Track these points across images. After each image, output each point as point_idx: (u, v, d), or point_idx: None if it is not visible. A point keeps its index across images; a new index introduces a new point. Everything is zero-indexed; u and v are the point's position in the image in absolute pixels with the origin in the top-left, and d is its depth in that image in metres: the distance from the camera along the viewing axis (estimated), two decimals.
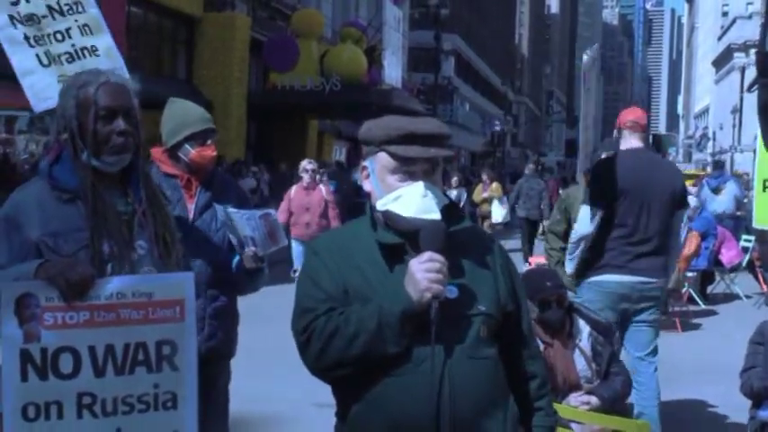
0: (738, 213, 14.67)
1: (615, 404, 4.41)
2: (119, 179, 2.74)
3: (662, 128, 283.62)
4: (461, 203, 16.16)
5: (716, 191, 14.83)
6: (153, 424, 2.52)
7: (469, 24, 62.34)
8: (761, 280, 12.91)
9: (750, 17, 74.30)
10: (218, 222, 3.79)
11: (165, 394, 2.53)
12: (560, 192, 10.50)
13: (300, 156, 18.91)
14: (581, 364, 4.38)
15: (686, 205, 5.53)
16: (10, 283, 2.42)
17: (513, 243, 17.53)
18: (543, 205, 16.71)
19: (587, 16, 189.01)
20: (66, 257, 2.55)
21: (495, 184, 18.59)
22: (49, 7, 3.80)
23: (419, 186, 2.31)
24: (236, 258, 3.71)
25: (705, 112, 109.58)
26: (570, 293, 4.90)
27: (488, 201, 18.14)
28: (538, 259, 11.65)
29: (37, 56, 3.76)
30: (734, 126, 63.47)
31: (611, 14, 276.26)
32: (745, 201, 14.77)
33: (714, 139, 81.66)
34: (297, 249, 10.89)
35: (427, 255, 2.23)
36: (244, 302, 4.06)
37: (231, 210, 3.66)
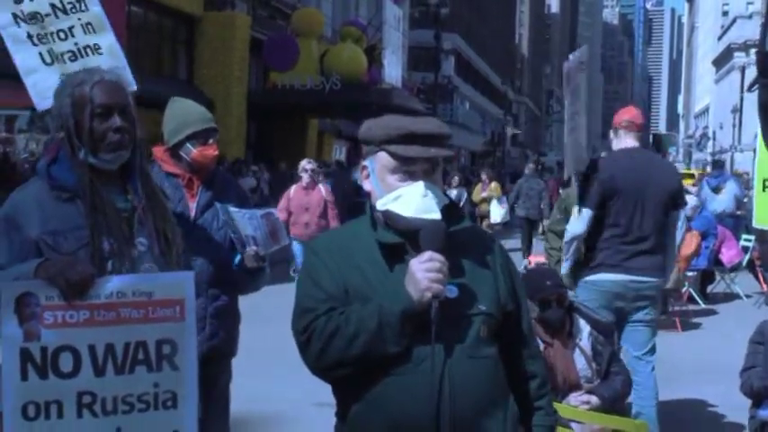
0: (738, 213, 14.67)
1: (615, 404, 4.41)
2: (117, 176, 2.74)
3: (662, 127, 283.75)
4: (461, 203, 16.16)
5: (716, 190, 14.83)
6: (153, 423, 2.52)
7: (470, 24, 62.33)
8: (761, 279, 12.91)
9: (750, 17, 74.35)
10: (219, 221, 3.79)
11: (165, 393, 2.53)
12: (560, 191, 10.54)
13: (300, 155, 18.92)
14: (581, 364, 4.38)
15: (683, 204, 5.53)
16: (10, 283, 2.42)
17: (512, 243, 17.52)
18: (543, 205, 16.71)
19: (587, 16, 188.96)
20: (67, 256, 2.55)
21: (493, 184, 18.58)
22: (53, 6, 3.80)
23: (419, 186, 2.31)
24: (238, 257, 3.71)
25: (705, 111, 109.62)
26: (570, 293, 4.91)
27: (487, 200, 18.13)
28: (537, 258, 11.66)
29: (40, 54, 3.77)
30: (734, 125, 63.50)
31: (611, 14, 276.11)
32: (745, 200, 14.78)
33: (714, 139, 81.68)
34: (297, 248, 10.89)
35: (427, 254, 2.23)
36: (244, 302, 4.06)
37: (232, 209, 3.67)
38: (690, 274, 11.26)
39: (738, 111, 61.79)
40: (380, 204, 2.36)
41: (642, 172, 5.34)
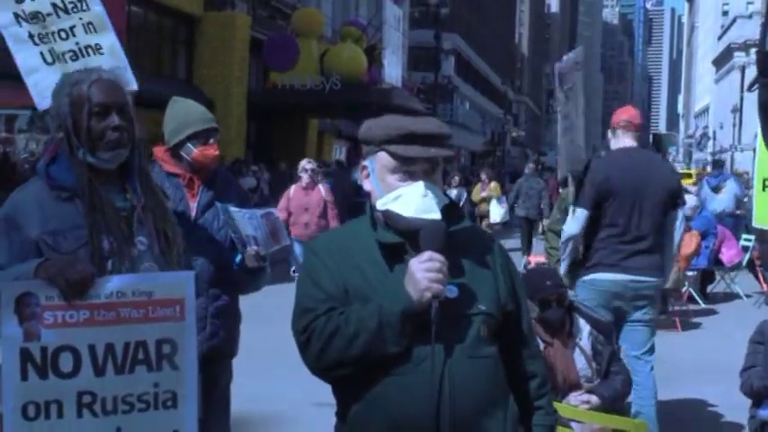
0: (738, 212, 14.68)
1: (615, 403, 4.41)
2: (116, 176, 2.74)
3: (662, 127, 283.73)
4: (461, 203, 16.15)
5: (716, 190, 14.83)
6: (153, 423, 2.52)
7: (469, 23, 62.33)
8: (761, 279, 12.90)
9: (750, 16, 74.36)
10: (220, 221, 3.79)
11: (165, 393, 2.53)
12: (560, 191, 10.53)
13: (300, 155, 18.91)
14: (581, 363, 4.38)
15: (682, 204, 5.53)
16: (10, 283, 2.42)
17: (512, 242, 17.52)
18: (543, 204, 16.69)
19: (587, 15, 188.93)
20: (66, 255, 2.55)
21: (493, 184, 18.57)
22: (54, 5, 3.80)
23: (419, 186, 2.31)
24: (238, 257, 3.71)
25: (705, 111, 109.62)
26: (570, 292, 4.91)
27: (486, 200, 18.11)
28: (537, 258, 11.66)
29: (41, 54, 3.77)
30: (734, 125, 63.52)
31: (611, 14, 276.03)
32: (745, 200, 14.78)
33: (714, 139, 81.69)
34: (297, 249, 10.87)
35: (427, 254, 2.23)
36: (244, 302, 4.06)
37: (233, 209, 3.67)
38: (690, 273, 11.26)
39: (738, 110, 61.81)
40: (380, 204, 2.36)
41: (639, 172, 5.34)
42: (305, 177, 10.81)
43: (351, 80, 25.00)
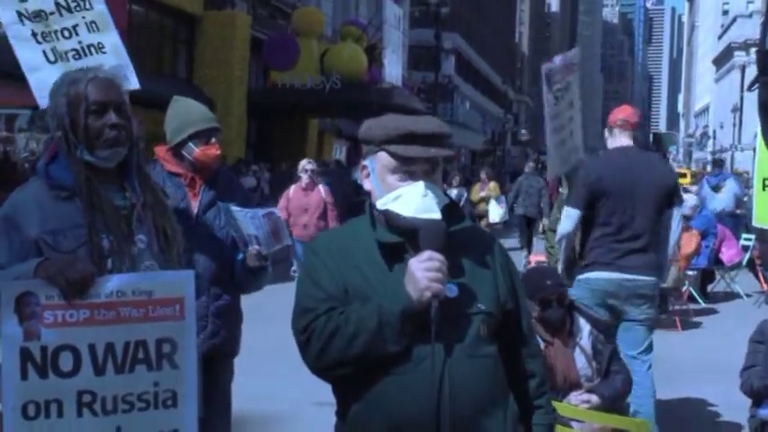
0: (738, 212, 14.68)
1: (615, 403, 4.40)
2: (115, 175, 2.75)
3: (662, 126, 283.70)
4: (461, 203, 16.13)
5: (716, 189, 14.83)
6: (153, 422, 2.52)
7: (470, 23, 62.31)
8: (761, 278, 12.90)
9: (750, 15, 74.34)
10: (221, 221, 3.80)
11: (165, 392, 2.53)
12: (560, 190, 10.53)
13: (300, 155, 18.92)
14: (581, 363, 4.38)
15: (679, 203, 5.52)
16: (10, 282, 2.42)
17: (511, 242, 17.52)
18: (543, 203, 16.67)
19: (587, 15, 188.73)
20: (66, 255, 2.56)
21: (492, 184, 18.55)
22: (57, 4, 3.81)
23: (419, 186, 2.31)
24: (240, 256, 3.71)
25: (705, 110, 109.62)
26: (571, 291, 4.91)
27: (485, 200, 18.07)
28: (538, 258, 11.66)
29: (44, 52, 3.78)
30: (734, 125, 63.55)
31: (611, 13, 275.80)
32: (745, 199, 14.78)
33: (714, 138, 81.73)
34: (299, 249, 10.84)
35: (427, 254, 2.23)
36: (245, 301, 4.06)
37: (235, 208, 3.67)
38: (690, 273, 11.26)
39: (738, 110, 61.83)
40: (380, 204, 2.36)
41: (634, 171, 5.34)
42: (305, 178, 10.73)
43: (351, 79, 24.99)
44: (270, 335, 6.05)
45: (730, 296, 12.57)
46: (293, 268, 12.29)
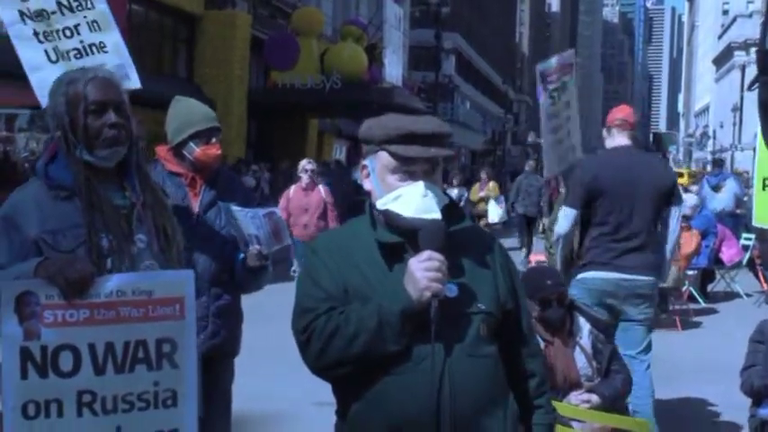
0: (738, 211, 14.67)
1: (616, 402, 4.40)
2: (115, 174, 2.74)
3: (662, 126, 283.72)
4: (462, 203, 16.12)
5: (716, 189, 14.83)
6: (153, 422, 2.52)
7: (470, 23, 62.30)
8: (761, 278, 12.90)
9: (750, 15, 74.35)
10: (222, 220, 3.80)
11: (165, 392, 2.53)
12: (561, 190, 10.52)
13: (301, 154, 18.91)
14: (581, 362, 4.38)
15: (678, 202, 5.52)
16: (10, 282, 2.42)
17: (511, 242, 17.52)
18: (542, 202, 16.67)
19: (588, 14, 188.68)
20: (66, 254, 2.55)
21: (491, 184, 18.54)
22: (59, 3, 3.81)
23: (419, 186, 2.31)
24: (241, 256, 3.72)
25: (705, 110, 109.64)
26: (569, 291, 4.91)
27: (485, 200, 18.05)
28: (538, 257, 11.66)
29: (45, 52, 3.78)
30: (734, 124, 63.56)
31: (611, 13, 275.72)
32: (745, 199, 14.78)
33: (714, 138, 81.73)
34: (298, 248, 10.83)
35: (426, 254, 2.23)
36: (245, 301, 4.06)
37: (235, 208, 3.67)
38: (690, 272, 11.26)
39: (739, 109, 61.84)
40: (380, 204, 2.36)
41: (631, 170, 5.33)
42: (305, 178, 10.71)
43: (351, 79, 24.99)
44: (270, 335, 6.05)
45: (730, 296, 12.56)
46: (293, 268, 12.29)
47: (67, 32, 3.82)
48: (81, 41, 3.84)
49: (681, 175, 28.77)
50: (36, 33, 3.77)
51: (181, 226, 2.88)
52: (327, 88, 24.50)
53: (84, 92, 2.65)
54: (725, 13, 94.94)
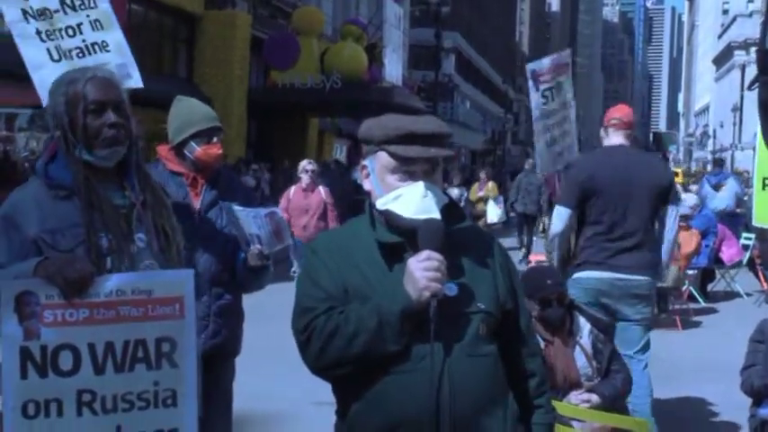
0: (738, 211, 14.67)
1: (616, 402, 4.40)
2: (114, 174, 2.75)
3: (662, 126, 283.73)
4: (462, 203, 16.11)
5: (716, 188, 14.83)
6: (153, 421, 2.52)
7: (470, 22, 62.30)
8: (761, 278, 12.90)
9: (750, 15, 74.36)
10: (223, 220, 3.80)
11: (165, 391, 2.53)
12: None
13: (301, 154, 18.91)
14: (581, 362, 4.38)
15: (675, 201, 5.51)
16: (10, 281, 2.42)
17: (510, 241, 17.51)
18: (542, 201, 16.67)
19: (588, 14, 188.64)
20: (66, 254, 2.56)
21: (490, 184, 18.52)
22: (62, 2, 3.81)
23: (419, 186, 2.31)
24: (242, 256, 3.72)
25: (705, 109, 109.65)
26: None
27: (484, 200, 18.03)
28: (538, 257, 11.67)
29: (48, 51, 3.78)
30: (734, 124, 63.56)
31: (611, 12, 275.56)
32: (745, 198, 14.78)
33: (714, 137, 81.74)
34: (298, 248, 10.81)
35: (426, 254, 2.23)
36: (246, 300, 4.06)
37: (237, 207, 3.67)
38: (690, 272, 11.26)
39: (738, 109, 61.84)
40: (380, 204, 2.36)
41: (626, 169, 5.32)
42: (305, 178, 10.68)
43: (351, 79, 24.97)
44: (270, 334, 6.05)
45: (730, 295, 12.57)
46: (293, 268, 12.29)
47: (70, 31, 3.82)
48: (83, 40, 3.84)
49: (675, 174, 28.73)
50: (39, 32, 3.78)
51: (182, 225, 2.88)
52: (327, 88, 24.48)
53: (83, 91, 2.65)
54: (725, 12, 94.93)
